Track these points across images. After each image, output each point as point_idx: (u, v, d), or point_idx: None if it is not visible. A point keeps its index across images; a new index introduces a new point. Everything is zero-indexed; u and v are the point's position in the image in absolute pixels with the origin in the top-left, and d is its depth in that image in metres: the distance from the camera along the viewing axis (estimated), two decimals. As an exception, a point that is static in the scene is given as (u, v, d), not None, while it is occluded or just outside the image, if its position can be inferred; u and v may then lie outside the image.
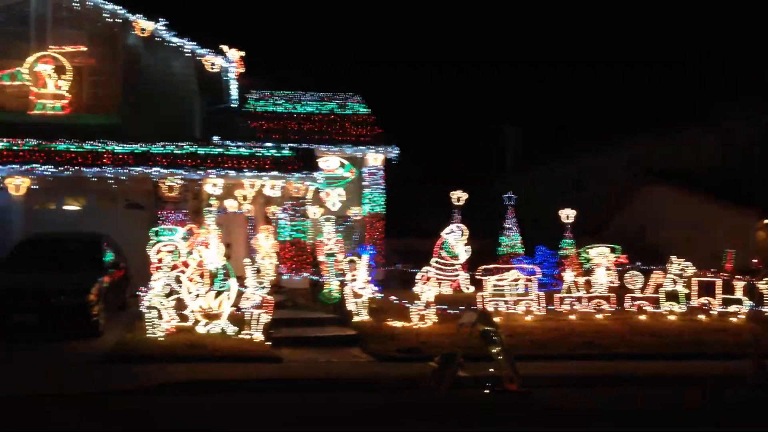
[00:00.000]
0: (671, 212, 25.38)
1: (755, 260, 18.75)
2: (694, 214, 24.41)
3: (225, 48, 20.15)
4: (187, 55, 19.77)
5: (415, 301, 15.56)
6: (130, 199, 18.56)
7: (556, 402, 10.10)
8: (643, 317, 16.67)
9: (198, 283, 13.84)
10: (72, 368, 11.25)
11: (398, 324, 15.12)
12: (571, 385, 11.19)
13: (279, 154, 18.79)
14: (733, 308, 16.99)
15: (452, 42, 49.99)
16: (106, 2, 19.35)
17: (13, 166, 17.10)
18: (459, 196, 22.02)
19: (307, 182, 18.62)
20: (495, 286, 16.81)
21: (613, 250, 18.99)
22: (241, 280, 14.07)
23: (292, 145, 20.10)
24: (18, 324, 12.84)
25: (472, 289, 19.22)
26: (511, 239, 22.58)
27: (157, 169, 17.56)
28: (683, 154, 26.61)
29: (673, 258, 17.45)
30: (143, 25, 19.35)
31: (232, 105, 22.49)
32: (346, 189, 22.55)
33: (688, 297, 17.23)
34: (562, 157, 32.02)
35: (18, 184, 17.25)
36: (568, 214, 21.85)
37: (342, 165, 22.71)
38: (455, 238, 20.03)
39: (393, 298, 16.22)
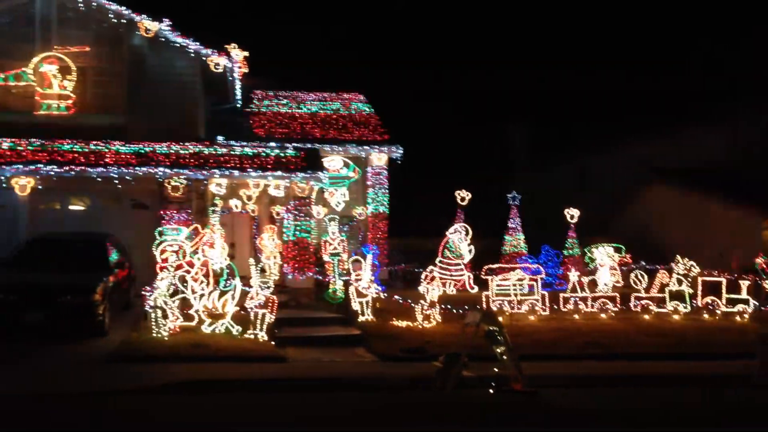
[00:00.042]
0: (676, 211, 25.33)
1: (759, 259, 18.64)
2: (699, 214, 24.36)
3: (229, 48, 20.17)
4: (191, 55, 19.78)
5: (420, 301, 15.56)
6: (134, 199, 18.58)
7: (560, 402, 10.08)
8: (647, 317, 16.65)
9: (202, 282, 13.86)
10: (76, 368, 11.28)
11: (403, 324, 15.11)
12: (576, 385, 11.17)
13: (283, 154, 18.79)
14: (738, 308, 16.95)
15: (457, 41, 49.97)
16: (111, 2, 19.36)
17: (18, 166, 17.13)
18: (463, 196, 22.01)
19: (311, 182, 18.62)
20: (499, 285, 16.80)
21: (617, 250, 18.97)
22: (245, 279, 14.08)
23: (296, 144, 20.11)
24: (23, 323, 12.86)
25: (476, 288, 19.21)
26: (515, 239, 22.56)
27: (162, 169, 17.58)
28: (688, 153, 26.56)
29: (679, 258, 17.42)
30: (148, 25, 19.37)
31: (236, 105, 22.51)
32: (350, 189, 22.58)
33: (693, 297, 17.19)
34: (567, 156, 31.98)
35: (23, 184, 17.29)
36: (572, 214, 21.84)
37: (346, 165, 22.72)
38: (459, 238, 20.02)
39: (397, 297, 16.23)
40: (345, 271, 16.90)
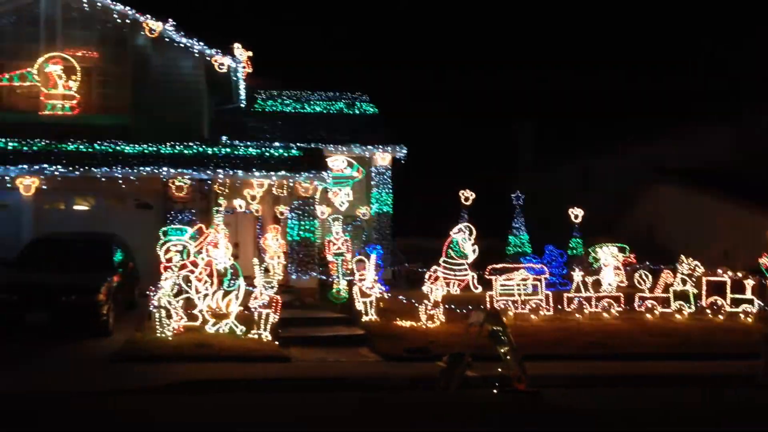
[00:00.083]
0: (681, 211, 25.28)
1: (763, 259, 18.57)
2: (704, 213, 24.30)
3: (233, 48, 20.20)
4: (195, 55, 19.82)
5: (424, 301, 15.56)
6: (139, 199, 18.62)
7: (564, 402, 10.08)
8: (652, 317, 16.62)
9: (206, 282, 13.88)
10: (80, 367, 11.31)
11: (406, 324, 15.12)
12: (580, 385, 11.17)
13: (287, 154, 18.81)
14: (743, 308, 16.92)
15: (461, 41, 49.97)
16: (115, 3, 19.41)
17: (23, 166, 17.17)
18: (467, 196, 22.00)
19: (315, 182, 18.63)
20: (503, 285, 16.79)
21: (621, 250, 18.94)
22: (249, 279, 14.10)
23: (300, 144, 20.11)
24: (27, 323, 12.90)
25: (480, 288, 19.20)
26: (519, 239, 22.54)
27: (166, 169, 17.61)
28: (692, 153, 26.49)
29: (683, 257, 17.39)
30: (152, 25, 19.41)
31: (240, 105, 22.52)
32: (354, 189, 22.57)
33: (697, 297, 17.16)
34: (571, 156, 31.94)
35: (28, 184, 17.33)
36: (576, 214, 21.80)
37: (350, 165, 22.71)
38: (463, 238, 20.00)
39: (401, 297, 16.23)
40: (349, 271, 16.90)
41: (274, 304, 13.62)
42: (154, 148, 18.04)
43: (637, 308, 16.96)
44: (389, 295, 16.37)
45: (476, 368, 10.49)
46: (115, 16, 19.46)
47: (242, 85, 21.35)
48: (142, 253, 16.36)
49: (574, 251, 21.66)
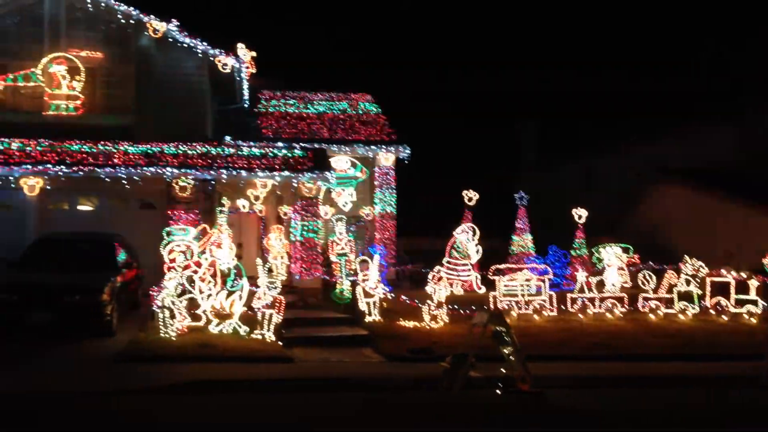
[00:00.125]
0: (684, 211, 25.25)
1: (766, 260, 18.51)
2: (708, 214, 24.26)
3: (237, 48, 20.22)
4: (199, 55, 19.84)
5: (427, 301, 15.56)
6: (142, 199, 18.64)
7: (568, 403, 10.07)
8: (655, 318, 16.60)
9: (210, 282, 13.89)
10: (84, 367, 11.32)
11: (410, 324, 15.12)
12: (583, 386, 11.16)
13: (290, 154, 18.80)
14: (747, 308, 16.89)
15: (464, 41, 49.93)
16: (119, 3, 19.44)
17: (27, 166, 17.19)
18: (470, 196, 21.99)
19: (318, 182, 18.63)
20: (507, 286, 16.78)
21: (625, 250, 18.90)
22: (252, 279, 14.11)
23: (303, 144, 20.10)
24: (31, 323, 12.91)
25: (483, 289, 19.19)
26: (523, 239, 22.53)
27: (170, 169, 17.62)
28: (695, 153, 26.46)
29: (687, 258, 17.36)
30: (156, 25, 19.43)
31: (243, 105, 22.54)
32: (357, 189, 22.59)
33: (701, 297, 17.13)
34: (574, 156, 31.92)
35: (32, 185, 17.36)
36: (580, 214, 21.79)
37: (353, 165, 22.72)
38: (467, 238, 20.01)
39: (404, 298, 16.23)
40: (352, 272, 16.90)
41: (277, 305, 13.63)
42: (158, 149, 18.03)
43: (640, 309, 16.94)
44: (392, 295, 16.37)
45: (480, 369, 10.48)
46: (119, 16, 19.49)
47: (246, 86, 21.37)
48: (146, 253, 16.37)
49: (578, 251, 21.63)
